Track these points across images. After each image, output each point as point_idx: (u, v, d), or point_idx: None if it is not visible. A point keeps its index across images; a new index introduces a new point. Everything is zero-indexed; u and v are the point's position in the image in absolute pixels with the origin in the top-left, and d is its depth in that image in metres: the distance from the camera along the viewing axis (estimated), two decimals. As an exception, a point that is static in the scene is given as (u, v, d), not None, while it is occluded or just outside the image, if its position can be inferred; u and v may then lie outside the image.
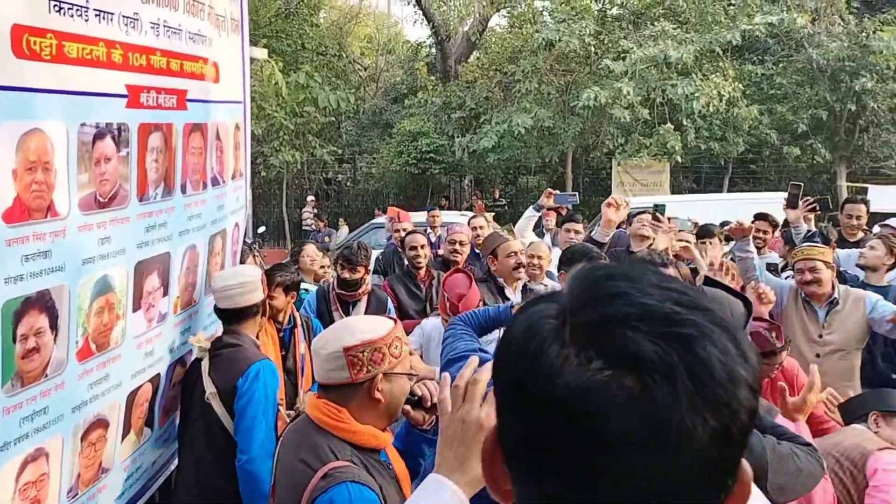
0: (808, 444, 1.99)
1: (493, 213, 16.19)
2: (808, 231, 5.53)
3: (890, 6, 19.57)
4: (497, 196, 20.79)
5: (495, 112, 17.64)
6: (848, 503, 2.47)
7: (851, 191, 15.72)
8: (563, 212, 7.83)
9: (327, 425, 1.86)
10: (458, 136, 18.68)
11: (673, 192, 17.37)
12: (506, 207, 19.50)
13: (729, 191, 18.42)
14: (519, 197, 21.09)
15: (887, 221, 6.30)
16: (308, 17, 21.49)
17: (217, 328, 3.36)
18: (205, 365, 3.01)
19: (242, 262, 4.02)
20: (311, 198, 20.02)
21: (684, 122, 16.14)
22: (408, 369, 1.99)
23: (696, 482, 0.54)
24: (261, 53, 12.24)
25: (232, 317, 3.12)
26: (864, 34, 17.13)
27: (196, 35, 2.86)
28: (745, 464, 0.60)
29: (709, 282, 2.81)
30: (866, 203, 6.15)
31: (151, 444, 2.96)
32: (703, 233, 5.62)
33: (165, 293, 2.81)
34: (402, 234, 5.95)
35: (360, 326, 1.92)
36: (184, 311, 3.06)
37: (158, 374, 2.87)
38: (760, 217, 6.09)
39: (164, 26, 2.55)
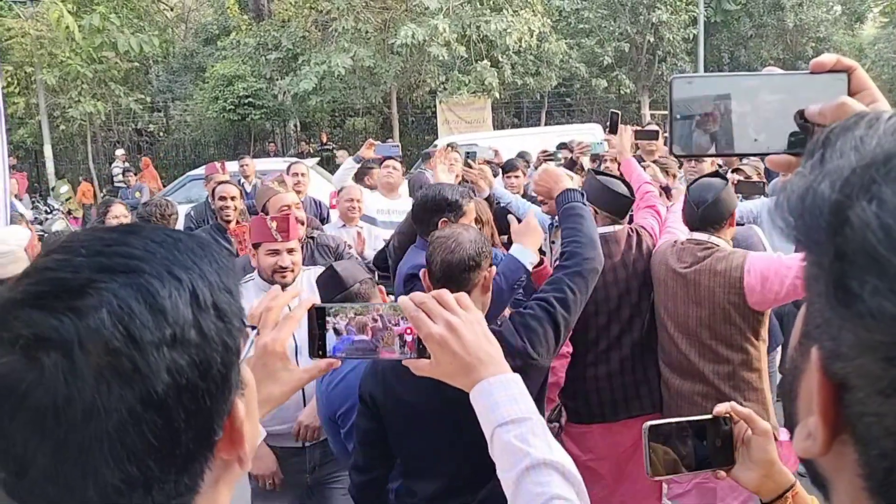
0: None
1: (318, 158, 15.94)
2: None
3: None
4: (325, 140, 20.32)
5: (314, 52, 17.08)
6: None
7: (655, 118, 17.01)
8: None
9: None
10: (277, 79, 17.95)
11: (496, 128, 17.90)
12: (334, 151, 19.17)
13: (546, 124, 19.27)
14: (348, 140, 20.75)
15: None
16: (99, -48, 19.51)
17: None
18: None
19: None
20: (120, 151, 18.46)
21: (500, 59, 16.54)
22: None
23: (140, 449, 0.54)
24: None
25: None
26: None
27: None
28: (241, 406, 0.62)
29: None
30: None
31: None
32: (508, 167, 5.90)
33: None
34: (214, 185, 5.67)
35: None
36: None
37: None
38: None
39: None
